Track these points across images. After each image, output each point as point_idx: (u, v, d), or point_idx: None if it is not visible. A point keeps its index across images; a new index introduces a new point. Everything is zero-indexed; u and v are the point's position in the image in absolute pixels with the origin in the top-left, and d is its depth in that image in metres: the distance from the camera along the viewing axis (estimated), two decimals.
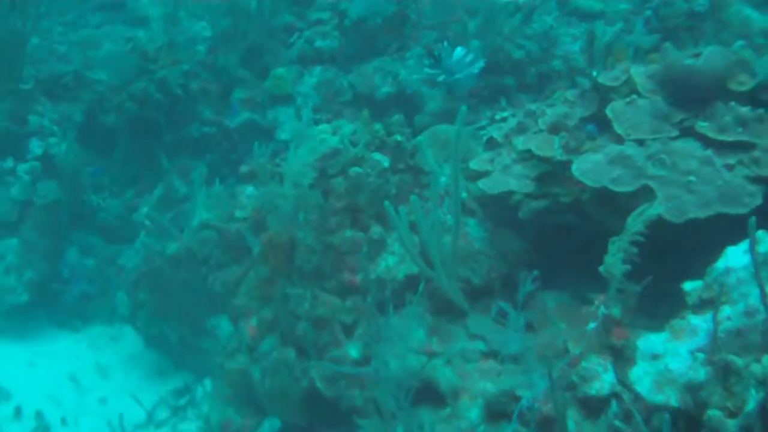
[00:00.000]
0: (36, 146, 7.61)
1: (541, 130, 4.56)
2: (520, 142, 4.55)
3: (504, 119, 5.74)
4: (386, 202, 4.16)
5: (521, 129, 4.77)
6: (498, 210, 4.84)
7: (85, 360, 7.15)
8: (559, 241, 4.65)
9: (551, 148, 4.39)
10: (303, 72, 7.62)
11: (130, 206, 7.68)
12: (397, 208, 4.20)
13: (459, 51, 5.93)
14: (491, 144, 5.00)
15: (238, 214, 5.94)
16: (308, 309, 4.67)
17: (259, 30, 7.83)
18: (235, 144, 7.62)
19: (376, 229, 4.78)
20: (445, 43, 6.01)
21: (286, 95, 7.54)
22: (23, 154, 7.58)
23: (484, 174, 4.62)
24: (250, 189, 6.19)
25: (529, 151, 4.46)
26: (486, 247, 4.69)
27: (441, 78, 5.97)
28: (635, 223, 3.64)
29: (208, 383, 6.32)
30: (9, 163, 7.49)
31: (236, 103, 7.71)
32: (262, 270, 4.99)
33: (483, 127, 5.99)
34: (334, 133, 5.20)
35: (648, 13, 6.33)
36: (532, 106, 4.95)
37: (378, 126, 5.13)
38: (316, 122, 6.13)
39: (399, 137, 5.08)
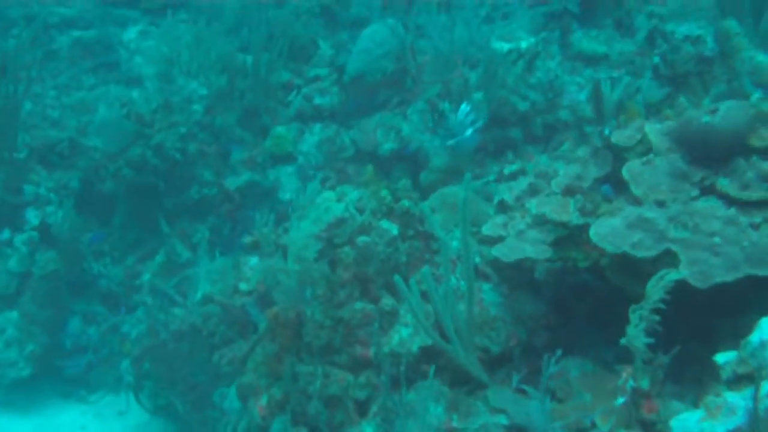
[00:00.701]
0: (33, 216, 7.49)
1: (554, 193, 4.40)
2: (534, 206, 4.39)
3: (512, 174, 5.62)
4: (396, 276, 3.99)
5: (533, 191, 4.63)
6: (513, 272, 4.68)
7: (92, 431, 6.99)
8: (577, 301, 4.52)
9: (566, 211, 4.22)
10: (304, 129, 7.53)
11: (131, 273, 7.57)
12: (408, 277, 4.06)
13: (463, 108, 5.81)
14: (503, 206, 4.84)
15: (242, 287, 5.79)
16: (320, 387, 4.49)
17: (256, 88, 7.73)
18: (237, 206, 7.51)
19: (387, 300, 4.60)
20: (447, 104, 5.90)
21: (286, 154, 7.44)
22: (20, 225, 7.47)
23: (498, 239, 4.46)
24: (254, 260, 6.04)
25: (543, 215, 4.29)
26: (503, 313, 4.53)
27: (437, 142, 5.89)
28: (655, 290, 3.47)
29: None
30: (6, 234, 7.36)
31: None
32: (270, 347, 4.81)
33: (491, 182, 5.88)
34: (339, 200, 5.04)
35: (656, 60, 6.20)
36: (542, 165, 4.81)
37: (385, 192, 4.97)
38: (322, 182, 6.02)
39: (407, 203, 4.92)
